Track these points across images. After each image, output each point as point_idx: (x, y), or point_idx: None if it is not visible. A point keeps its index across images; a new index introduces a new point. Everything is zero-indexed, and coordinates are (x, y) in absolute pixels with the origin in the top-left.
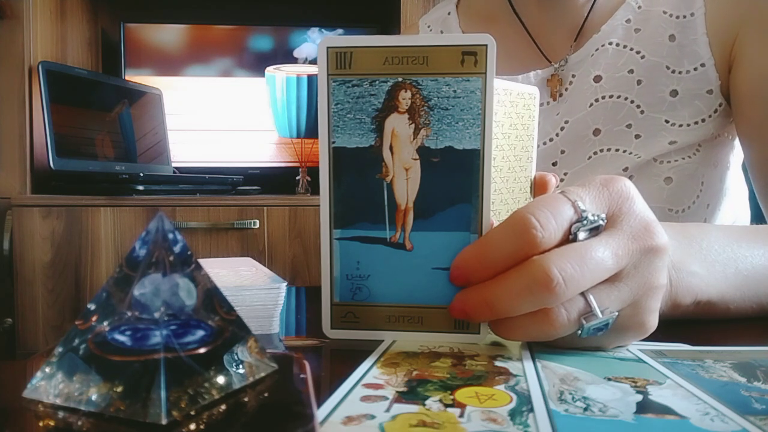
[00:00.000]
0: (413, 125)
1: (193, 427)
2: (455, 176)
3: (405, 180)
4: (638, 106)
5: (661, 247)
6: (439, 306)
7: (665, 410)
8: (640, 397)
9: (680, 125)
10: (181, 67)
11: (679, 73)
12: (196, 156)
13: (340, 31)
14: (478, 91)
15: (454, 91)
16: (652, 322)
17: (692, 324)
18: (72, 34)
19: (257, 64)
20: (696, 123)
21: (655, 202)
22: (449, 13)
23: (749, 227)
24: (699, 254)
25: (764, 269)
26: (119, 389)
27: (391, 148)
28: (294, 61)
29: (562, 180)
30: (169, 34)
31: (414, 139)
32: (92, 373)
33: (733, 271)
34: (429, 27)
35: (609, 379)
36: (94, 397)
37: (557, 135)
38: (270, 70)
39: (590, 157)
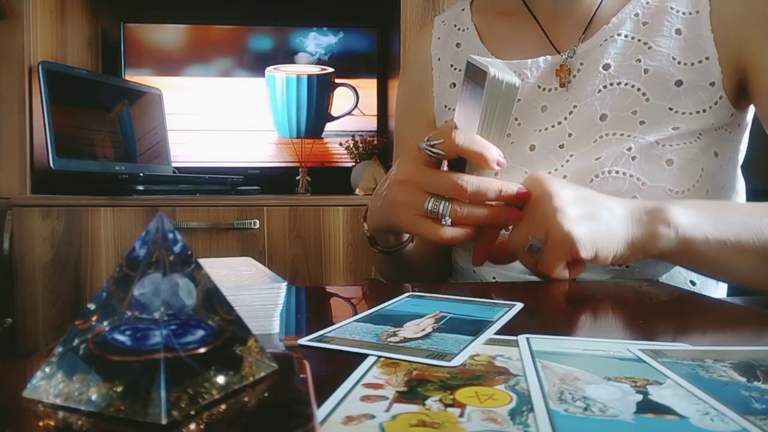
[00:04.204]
0: None
1: (193, 427)
2: None
3: None
4: (644, 94)
5: (549, 194)
6: None
7: (665, 410)
8: (640, 397)
9: (683, 113)
10: (181, 67)
11: (685, 64)
12: (196, 156)
13: (339, 32)
14: None
15: None
16: (572, 229)
17: (692, 324)
18: (72, 34)
19: (257, 64)
20: (698, 112)
21: (657, 182)
22: (463, 9)
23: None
24: (684, 203)
25: (743, 215)
26: (119, 389)
27: None
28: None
29: (567, 161)
30: (169, 34)
31: None
32: (92, 373)
33: (715, 215)
34: (443, 22)
35: (609, 379)
36: (94, 397)
37: (565, 119)
38: (270, 70)
39: (596, 141)
